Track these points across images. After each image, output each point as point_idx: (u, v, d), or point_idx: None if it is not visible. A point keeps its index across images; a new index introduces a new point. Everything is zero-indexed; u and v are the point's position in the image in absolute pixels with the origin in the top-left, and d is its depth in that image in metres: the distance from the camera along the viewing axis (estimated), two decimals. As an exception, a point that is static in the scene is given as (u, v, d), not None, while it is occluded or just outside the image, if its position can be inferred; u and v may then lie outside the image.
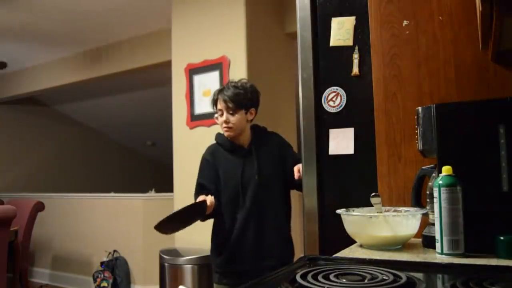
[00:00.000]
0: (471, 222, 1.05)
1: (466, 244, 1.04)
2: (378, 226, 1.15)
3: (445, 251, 1.03)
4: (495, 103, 1.11)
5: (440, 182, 1.05)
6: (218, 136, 2.04)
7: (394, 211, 1.22)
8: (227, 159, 1.97)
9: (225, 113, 1.91)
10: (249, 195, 1.90)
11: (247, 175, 1.92)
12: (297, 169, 1.82)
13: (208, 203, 1.82)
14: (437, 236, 1.05)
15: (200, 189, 1.98)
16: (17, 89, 5.91)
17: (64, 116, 7.13)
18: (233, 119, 1.90)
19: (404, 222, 1.15)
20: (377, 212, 1.20)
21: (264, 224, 1.90)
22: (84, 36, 4.72)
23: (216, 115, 1.98)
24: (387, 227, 1.14)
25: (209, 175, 1.97)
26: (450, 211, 1.03)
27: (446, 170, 1.05)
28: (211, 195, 1.90)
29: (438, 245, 1.05)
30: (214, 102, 1.97)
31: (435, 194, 1.06)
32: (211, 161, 1.98)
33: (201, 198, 1.86)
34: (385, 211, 1.22)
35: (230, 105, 1.89)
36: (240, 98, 1.91)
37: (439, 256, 1.05)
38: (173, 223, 1.82)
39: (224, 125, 1.92)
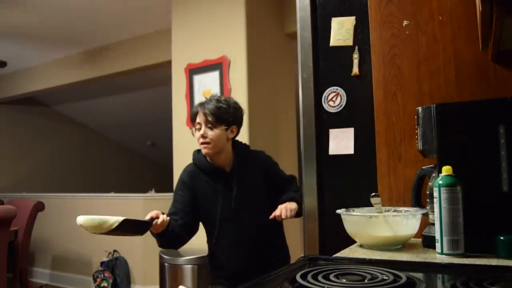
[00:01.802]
0: (471, 222, 1.05)
1: (466, 244, 1.04)
2: (378, 226, 1.15)
3: (445, 251, 1.03)
4: (495, 103, 1.11)
5: (440, 182, 1.05)
6: (196, 156, 1.86)
7: (394, 211, 1.22)
8: (206, 182, 1.81)
9: (203, 127, 1.75)
10: (231, 225, 1.77)
11: (225, 202, 1.77)
12: (280, 210, 1.67)
13: (159, 222, 1.62)
14: (437, 236, 1.05)
15: (170, 214, 1.76)
16: (17, 89, 5.91)
17: (64, 116, 7.13)
18: (211, 133, 1.73)
19: (404, 222, 1.15)
20: (377, 212, 1.20)
21: (253, 250, 1.79)
22: (84, 36, 4.72)
23: (193, 129, 1.81)
24: (387, 227, 1.14)
25: (183, 200, 1.80)
26: (450, 211, 1.03)
27: (446, 170, 1.05)
28: (181, 218, 1.75)
29: (438, 245, 1.05)
30: (194, 116, 1.80)
31: (435, 194, 1.06)
32: (188, 184, 1.82)
33: (153, 214, 1.65)
34: (385, 211, 1.22)
35: (210, 118, 1.73)
36: (222, 112, 1.75)
37: (439, 256, 1.05)
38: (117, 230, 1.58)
39: (202, 140, 1.74)
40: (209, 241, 1.88)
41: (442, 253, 1.04)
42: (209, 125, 1.74)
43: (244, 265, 1.79)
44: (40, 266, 5.19)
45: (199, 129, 1.77)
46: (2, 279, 3.20)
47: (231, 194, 1.78)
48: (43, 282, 5.06)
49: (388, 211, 1.23)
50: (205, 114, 1.75)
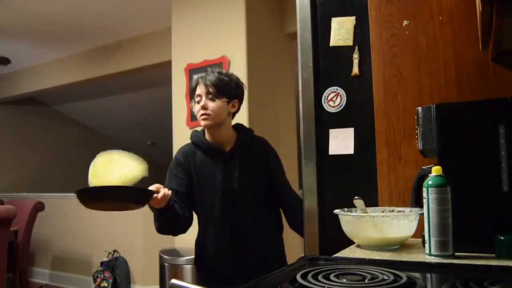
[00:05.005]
0: (471, 222, 1.05)
1: (466, 244, 1.03)
2: (374, 227, 1.14)
3: (432, 252, 1.03)
4: (495, 103, 1.11)
5: (429, 182, 1.04)
6: (194, 134, 1.77)
7: (393, 211, 1.22)
8: (204, 162, 1.71)
9: (203, 98, 1.66)
10: (228, 207, 1.67)
11: (226, 183, 1.67)
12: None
13: (160, 196, 1.51)
14: (426, 237, 1.05)
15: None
16: (18, 89, 5.91)
17: (64, 116, 7.13)
18: (212, 105, 1.65)
19: (400, 223, 1.15)
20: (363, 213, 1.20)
21: (247, 241, 1.69)
22: (84, 36, 4.72)
23: (192, 102, 1.72)
24: (382, 228, 1.13)
25: (180, 181, 1.70)
26: (438, 212, 1.02)
27: (436, 170, 1.04)
28: (181, 200, 1.66)
29: (426, 245, 1.05)
30: (193, 89, 1.71)
31: (424, 194, 1.05)
32: (183, 161, 1.72)
33: (154, 187, 1.54)
34: (385, 211, 1.22)
35: (211, 89, 1.66)
36: (224, 83, 1.68)
37: (427, 257, 1.04)
38: (105, 198, 1.51)
39: (202, 111, 1.66)
40: (200, 229, 1.77)
41: (430, 254, 1.03)
42: (210, 96, 1.67)
43: (235, 263, 1.69)
44: (40, 266, 5.19)
45: (199, 101, 1.68)
46: (2, 279, 3.20)
47: (233, 175, 1.68)
48: (43, 282, 5.06)
49: (387, 211, 1.23)
50: (206, 85, 1.67)
